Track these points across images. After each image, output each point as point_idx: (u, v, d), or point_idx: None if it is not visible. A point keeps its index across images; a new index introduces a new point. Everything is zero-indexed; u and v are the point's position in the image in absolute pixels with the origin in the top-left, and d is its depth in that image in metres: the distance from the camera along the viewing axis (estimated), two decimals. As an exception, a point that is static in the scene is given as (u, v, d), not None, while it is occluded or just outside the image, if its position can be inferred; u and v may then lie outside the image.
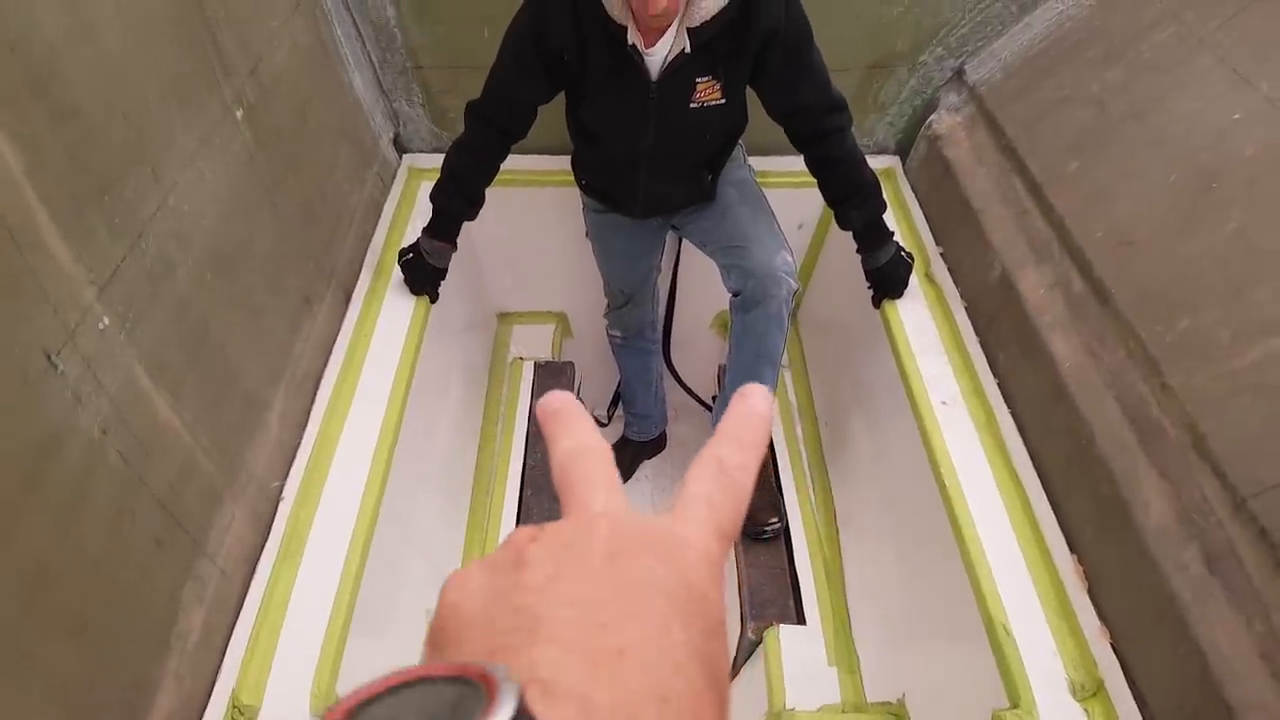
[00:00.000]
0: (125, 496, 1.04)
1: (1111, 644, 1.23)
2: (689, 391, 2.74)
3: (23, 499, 0.87)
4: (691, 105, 1.58)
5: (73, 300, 0.97)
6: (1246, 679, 1.01)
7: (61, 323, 0.95)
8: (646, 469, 2.80)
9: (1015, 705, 1.21)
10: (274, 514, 1.41)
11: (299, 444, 1.52)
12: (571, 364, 2.56)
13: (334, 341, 1.71)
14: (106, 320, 1.03)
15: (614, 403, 2.82)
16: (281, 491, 1.44)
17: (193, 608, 1.18)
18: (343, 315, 1.76)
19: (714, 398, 2.44)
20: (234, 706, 1.18)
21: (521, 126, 1.68)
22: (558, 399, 0.39)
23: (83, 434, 0.97)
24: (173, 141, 1.22)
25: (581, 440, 0.37)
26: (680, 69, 1.52)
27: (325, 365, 1.66)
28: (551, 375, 2.49)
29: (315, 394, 1.60)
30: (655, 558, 0.29)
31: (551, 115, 1.72)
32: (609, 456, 0.37)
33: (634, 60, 1.51)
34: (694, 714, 0.25)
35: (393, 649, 1.50)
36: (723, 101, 1.59)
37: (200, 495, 1.22)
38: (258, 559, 1.35)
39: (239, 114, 1.41)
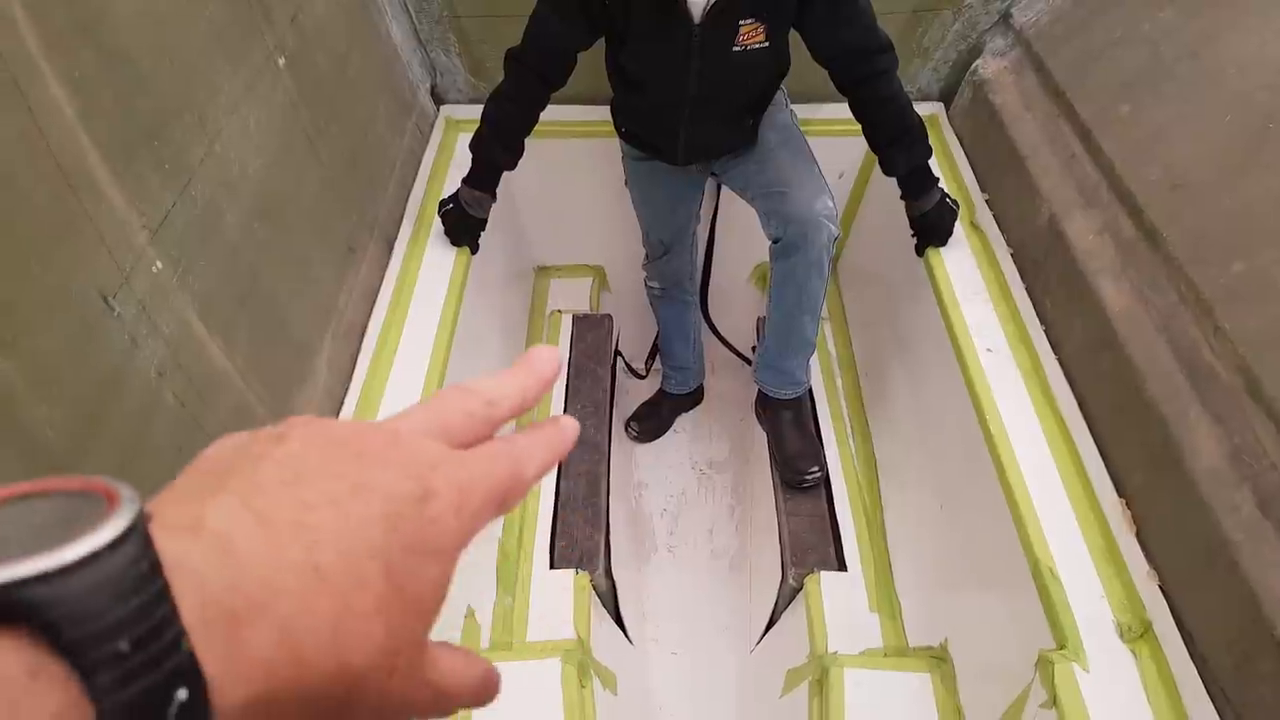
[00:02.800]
0: (183, 438, 1.07)
1: (1160, 586, 1.22)
2: (727, 345, 2.72)
3: (88, 436, 0.90)
4: (735, 48, 1.55)
5: (127, 243, 0.99)
6: (1300, 620, 1.00)
7: (116, 265, 0.97)
8: (684, 421, 2.80)
9: (1061, 646, 1.20)
10: (324, 460, 1.43)
11: (346, 392, 1.54)
12: (610, 316, 2.56)
13: (378, 291, 1.72)
14: (159, 264, 1.04)
15: (652, 355, 2.82)
16: (331, 438, 1.46)
17: (249, 549, 1.20)
18: (385, 265, 1.77)
19: (753, 349, 2.43)
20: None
21: (561, 73, 1.66)
22: (543, 356, 0.38)
23: (140, 375, 0.99)
24: (218, 89, 1.23)
25: (491, 382, 0.36)
26: (723, 11, 1.49)
27: (370, 315, 1.67)
28: (590, 328, 2.49)
29: (361, 343, 1.62)
30: (404, 474, 0.28)
31: (590, 63, 1.70)
32: (474, 406, 0.35)
33: (676, 2, 1.48)
34: (349, 604, 0.25)
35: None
36: (766, 44, 1.57)
37: (254, 439, 1.24)
38: (310, 504, 1.38)
39: (281, 62, 1.41)
